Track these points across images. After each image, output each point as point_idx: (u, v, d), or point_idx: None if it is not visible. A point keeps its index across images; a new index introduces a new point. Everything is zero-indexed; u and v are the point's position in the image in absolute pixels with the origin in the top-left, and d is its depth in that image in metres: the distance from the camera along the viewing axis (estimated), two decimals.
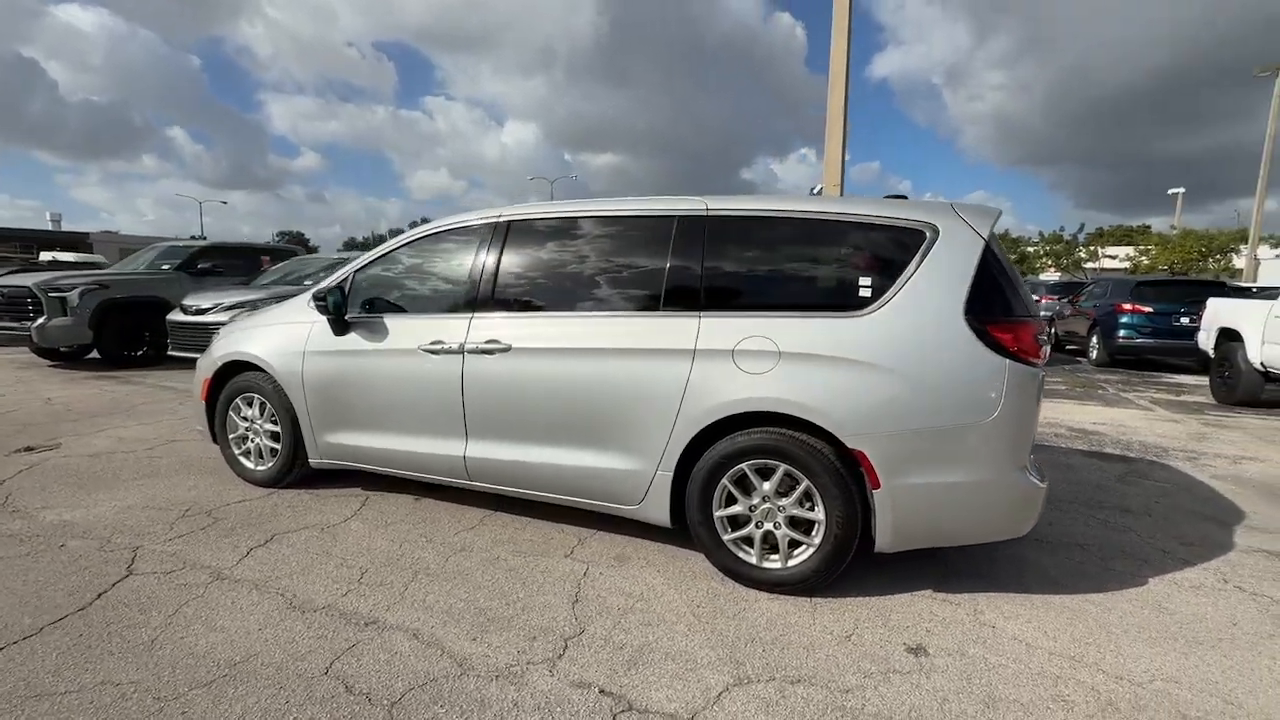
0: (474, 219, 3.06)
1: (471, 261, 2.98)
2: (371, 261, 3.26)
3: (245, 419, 3.52)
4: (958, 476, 2.20)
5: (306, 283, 8.16)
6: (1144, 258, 33.27)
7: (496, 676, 1.91)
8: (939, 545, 2.41)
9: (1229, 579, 2.64)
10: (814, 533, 2.35)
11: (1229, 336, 6.91)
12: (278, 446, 3.42)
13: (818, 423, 2.26)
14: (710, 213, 2.58)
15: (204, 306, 7.25)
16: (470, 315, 2.88)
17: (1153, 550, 2.91)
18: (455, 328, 2.89)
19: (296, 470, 3.42)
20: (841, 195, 8.92)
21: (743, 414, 2.37)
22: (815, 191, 9.70)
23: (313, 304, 3.25)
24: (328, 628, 2.15)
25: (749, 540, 2.45)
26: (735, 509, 2.45)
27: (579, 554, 2.75)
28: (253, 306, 7.31)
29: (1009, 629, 2.21)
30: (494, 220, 2.98)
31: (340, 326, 3.14)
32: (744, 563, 2.45)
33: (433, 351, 2.91)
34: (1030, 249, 36.98)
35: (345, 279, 3.24)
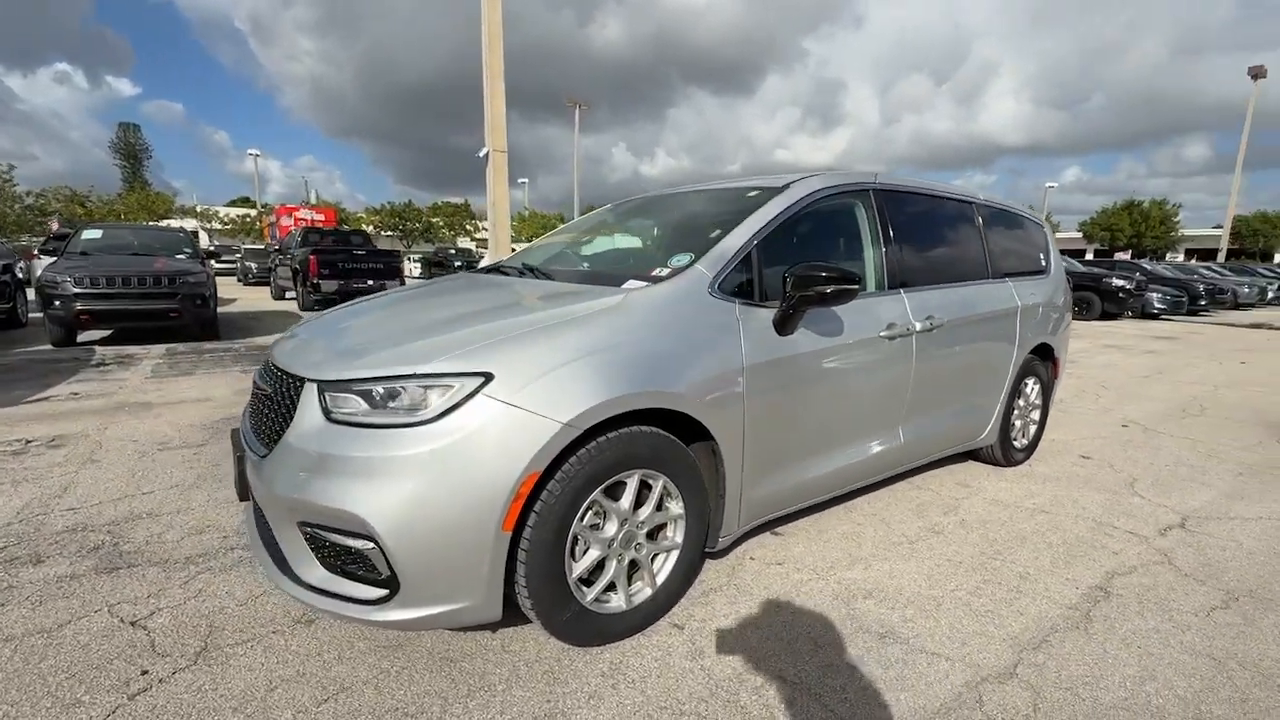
0: (841, 182, 2.62)
1: (868, 234, 2.66)
2: (772, 231, 2.27)
3: (610, 524, 1.80)
4: (1066, 353, 4.05)
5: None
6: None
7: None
8: None
9: None
10: (1036, 415, 3.74)
11: None
12: (681, 542, 1.97)
13: (1050, 344, 3.63)
14: (984, 203, 3.38)
15: None
16: (899, 292, 2.66)
17: None
18: (896, 306, 2.61)
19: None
20: (505, 154, 8.84)
21: (1035, 347, 3.46)
22: (482, 155, 9.04)
23: (724, 295, 2.06)
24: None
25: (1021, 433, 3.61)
26: (1014, 418, 3.54)
27: (945, 493, 3.17)
28: None
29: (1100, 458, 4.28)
30: (867, 185, 2.70)
31: (788, 322, 2.15)
32: (1018, 449, 3.60)
33: (890, 337, 2.54)
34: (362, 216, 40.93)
35: (747, 252, 2.17)
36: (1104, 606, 2.16)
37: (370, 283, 12.42)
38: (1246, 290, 18.58)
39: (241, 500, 1.95)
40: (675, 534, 1.98)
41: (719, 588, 2.21)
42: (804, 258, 2.41)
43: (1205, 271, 19.92)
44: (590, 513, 1.76)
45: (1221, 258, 30.85)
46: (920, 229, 2.96)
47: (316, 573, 1.65)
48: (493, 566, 1.59)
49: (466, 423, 1.55)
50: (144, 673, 1.69)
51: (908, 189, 2.93)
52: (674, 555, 1.98)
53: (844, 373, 2.38)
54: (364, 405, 1.61)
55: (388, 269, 12.70)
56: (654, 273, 2.12)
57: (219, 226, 38.82)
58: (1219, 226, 48.86)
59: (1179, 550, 2.60)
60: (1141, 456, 3.90)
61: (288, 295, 15.11)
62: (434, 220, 41.66)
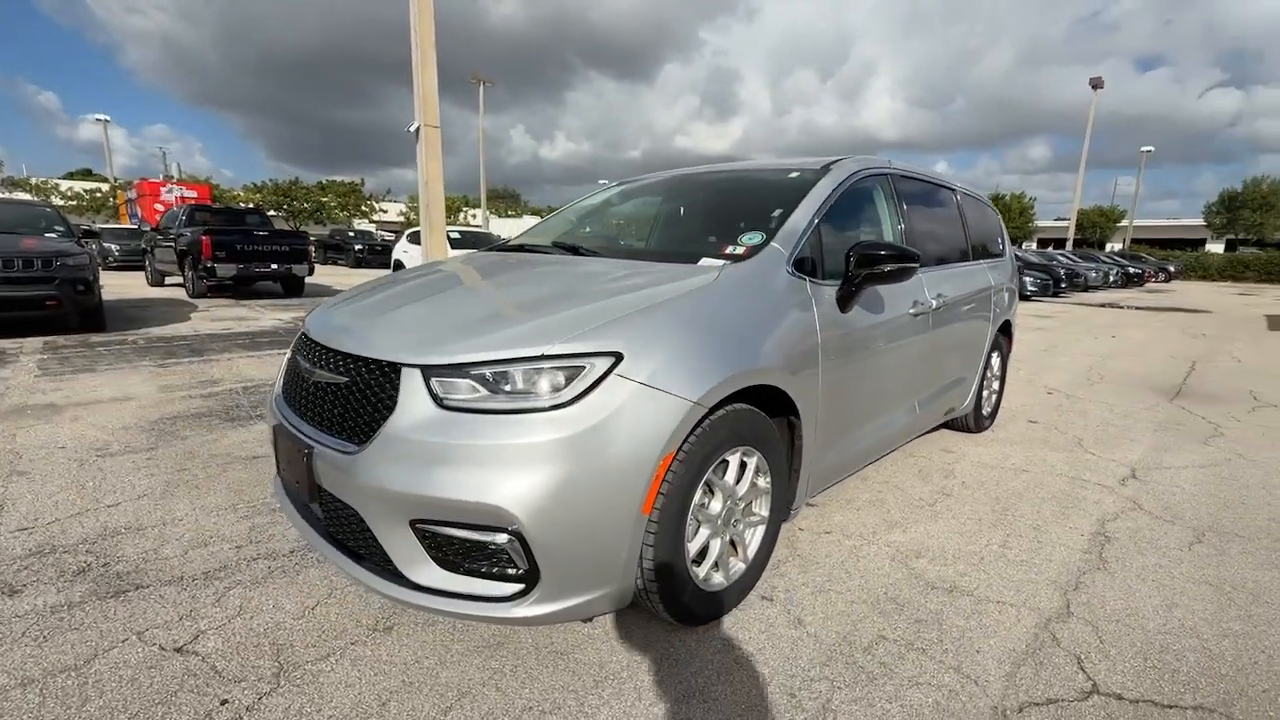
0: (868, 166, 2.75)
1: (888, 215, 2.80)
2: (827, 210, 2.33)
3: (715, 502, 1.80)
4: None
5: None
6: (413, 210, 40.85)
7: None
8: None
9: None
10: (996, 385, 4.13)
11: None
12: (767, 516, 2.01)
13: (1011, 320, 4.01)
14: (961, 189, 3.65)
15: None
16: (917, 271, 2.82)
17: None
18: (917, 285, 2.77)
19: None
20: (438, 129, 8.29)
21: (1000, 324, 3.80)
22: (413, 129, 8.35)
23: (797, 273, 2.10)
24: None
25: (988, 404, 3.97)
26: (984, 387, 3.89)
27: (936, 459, 3.43)
28: None
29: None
30: (886, 170, 2.85)
31: (850, 299, 2.23)
32: (984, 416, 3.96)
33: (915, 314, 2.70)
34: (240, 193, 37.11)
35: (808, 233, 2.22)
36: (1111, 548, 2.45)
37: (274, 267, 11.34)
38: (1094, 275, 21.33)
39: (311, 502, 1.74)
40: (762, 508, 2.01)
41: (786, 559, 2.28)
42: (845, 237, 2.50)
43: (1061, 258, 22.62)
44: (701, 492, 1.75)
45: (1069, 246, 35.14)
46: (924, 212, 3.16)
47: (432, 573, 1.52)
48: (630, 551, 1.55)
49: (603, 404, 1.49)
50: (224, 702, 1.49)
51: (912, 174, 3.11)
52: (760, 529, 2.02)
53: (886, 347, 2.51)
54: (483, 390, 1.50)
55: (293, 252, 11.64)
56: (728, 250, 2.12)
57: (60, 203, 33.60)
58: (1061, 219, 55.57)
59: (1142, 497, 3.00)
60: (1075, 419, 4.42)
61: (168, 281, 13.49)
62: (324, 200, 38.44)
